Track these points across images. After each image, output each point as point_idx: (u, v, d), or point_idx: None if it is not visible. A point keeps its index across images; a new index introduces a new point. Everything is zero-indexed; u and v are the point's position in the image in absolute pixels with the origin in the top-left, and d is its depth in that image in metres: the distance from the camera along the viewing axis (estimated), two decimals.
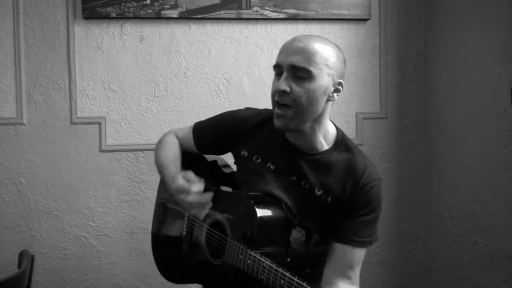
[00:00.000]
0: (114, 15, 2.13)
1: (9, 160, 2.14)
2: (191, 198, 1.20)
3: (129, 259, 2.22)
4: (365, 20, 2.28)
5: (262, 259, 1.10)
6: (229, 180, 1.41)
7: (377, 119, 2.33)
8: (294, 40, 1.19)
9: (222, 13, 2.18)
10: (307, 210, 1.22)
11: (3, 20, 2.12)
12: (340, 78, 1.22)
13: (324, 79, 1.16)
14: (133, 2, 2.13)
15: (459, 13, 2.08)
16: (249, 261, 1.12)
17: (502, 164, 1.82)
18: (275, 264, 1.08)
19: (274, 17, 2.21)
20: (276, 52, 1.23)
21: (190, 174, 1.23)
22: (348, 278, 1.18)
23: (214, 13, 2.17)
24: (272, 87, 1.19)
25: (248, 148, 1.31)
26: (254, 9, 2.19)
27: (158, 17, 2.16)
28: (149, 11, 2.14)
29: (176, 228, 1.44)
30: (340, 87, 1.22)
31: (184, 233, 1.40)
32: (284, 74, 1.14)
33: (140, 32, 2.19)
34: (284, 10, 2.21)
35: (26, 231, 2.16)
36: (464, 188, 2.05)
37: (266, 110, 1.34)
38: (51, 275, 2.18)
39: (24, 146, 2.15)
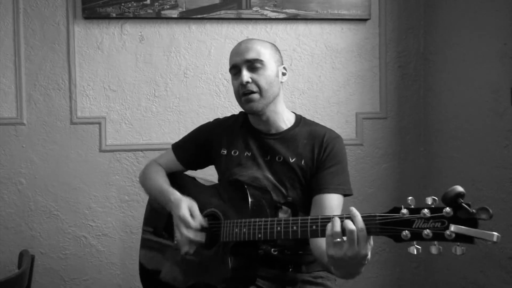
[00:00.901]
0: (114, 15, 2.13)
1: (9, 160, 2.14)
2: (190, 234, 1.29)
3: (129, 259, 2.22)
4: (365, 20, 2.28)
5: (257, 220, 1.20)
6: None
7: (377, 119, 2.33)
8: (239, 44, 1.42)
9: (222, 13, 2.18)
10: (288, 179, 1.38)
11: (3, 20, 2.12)
12: (282, 64, 1.45)
13: (272, 65, 1.39)
14: (133, 2, 2.13)
15: (459, 13, 2.08)
16: (244, 230, 1.21)
17: (502, 164, 1.82)
18: (269, 218, 1.18)
19: (274, 17, 2.21)
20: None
21: (194, 207, 1.34)
22: None
23: (214, 13, 2.17)
24: (234, 86, 1.41)
25: (226, 146, 1.48)
26: (254, 9, 2.19)
27: (158, 17, 2.16)
28: (149, 11, 2.14)
29: (166, 243, 1.47)
30: (285, 71, 1.45)
31: (175, 242, 1.40)
32: (243, 70, 1.36)
33: (140, 32, 2.19)
34: (284, 10, 2.21)
35: (26, 231, 2.16)
36: (464, 188, 2.04)
37: (232, 115, 1.58)
38: (51, 275, 2.18)
39: (24, 146, 2.15)
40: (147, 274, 1.53)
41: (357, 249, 1.03)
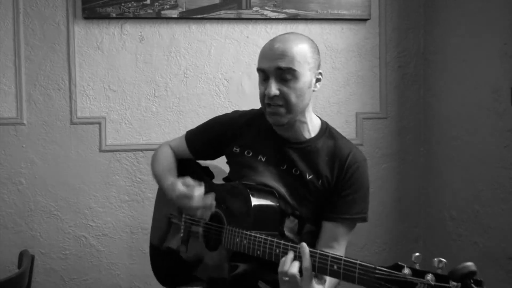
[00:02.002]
0: (114, 15, 2.13)
1: (9, 160, 2.14)
2: (195, 202, 1.25)
3: (129, 259, 2.22)
4: (365, 20, 2.28)
5: (257, 235, 1.16)
6: (224, 180, 1.46)
7: (377, 119, 2.33)
8: (272, 44, 1.25)
9: (222, 13, 2.18)
10: (300, 195, 1.28)
11: (3, 20, 2.12)
12: (318, 69, 1.29)
13: (307, 75, 1.23)
14: (133, 2, 2.13)
15: (459, 13, 2.08)
16: (245, 241, 1.18)
17: (502, 164, 1.82)
18: (269, 237, 1.14)
19: (274, 17, 2.21)
20: None
21: (188, 180, 1.30)
22: (330, 247, 1.25)
23: (214, 13, 2.17)
24: (260, 90, 1.27)
25: (240, 145, 1.38)
26: (254, 9, 2.19)
27: (158, 17, 2.16)
28: (149, 11, 2.14)
29: (176, 236, 1.46)
30: (320, 77, 1.30)
31: (181, 234, 1.42)
32: (271, 79, 1.22)
33: (140, 32, 2.19)
34: (284, 10, 2.21)
35: (26, 231, 2.16)
36: (464, 188, 2.05)
37: (251, 110, 1.45)
38: (51, 275, 2.18)
39: (24, 146, 2.15)
40: (157, 255, 1.53)
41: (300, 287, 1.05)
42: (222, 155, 1.48)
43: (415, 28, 2.33)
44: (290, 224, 1.29)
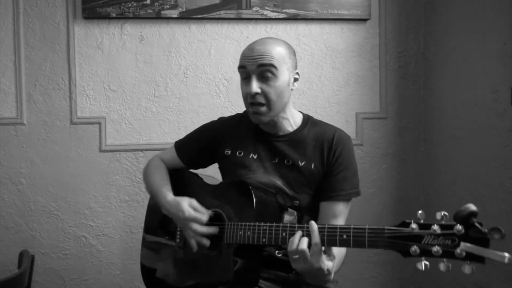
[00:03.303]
0: (114, 15, 2.13)
1: (9, 160, 2.14)
2: (203, 229, 1.28)
3: (129, 259, 2.22)
4: (365, 20, 2.28)
5: (261, 224, 1.19)
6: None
7: (377, 119, 2.33)
8: (252, 46, 1.32)
9: (222, 13, 2.18)
10: (297, 183, 1.34)
11: (3, 20, 2.12)
12: (295, 69, 1.37)
13: (285, 74, 1.31)
14: (133, 2, 2.13)
15: (459, 13, 2.08)
16: (249, 233, 1.20)
17: (502, 164, 1.82)
18: (274, 224, 1.17)
19: (274, 17, 2.21)
20: None
21: (195, 203, 1.33)
22: None
23: (214, 13, 2.17)
24: (242, 90, 1.34)
25: (230, 147, 1.44)
26: (254, 9, 2.19)
27: (158, 17, 2.16)
28: (149, 11, 2.14)
29: (168, 243, 1.46)
30: (297, 76, 1.37)
31: (178, 240, 1.41)
32: (253, 77, 1.29)
33: (140, 32, 2.19)
34: (284, 10, 2.21)
35: (26, 231, 2.16)
36: (464, 188, 2.05)
37: (236, 114, 1.53)
38: (51, 275, 2.18)
39: (24, 146, 2.15)
40: (149, 274, 1.53)
41: (310, 263, 1.08)
42: (212, 162, 1.52)
43: (415, 28, 2.33)
44: (289, 218, 1.33)
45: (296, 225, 1.14)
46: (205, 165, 1.55)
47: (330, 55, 2.29)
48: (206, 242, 1.29)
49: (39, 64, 2.15)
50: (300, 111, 1.46)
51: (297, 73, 1.37)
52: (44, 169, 2.16)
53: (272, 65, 1.28)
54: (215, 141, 1.47)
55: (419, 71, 2.34)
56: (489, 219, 1.91)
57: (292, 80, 1.35)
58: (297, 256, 1.10)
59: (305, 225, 1.12)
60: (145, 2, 2.14)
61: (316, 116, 2.26)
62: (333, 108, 2.30)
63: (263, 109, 1.31)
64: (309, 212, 1.35)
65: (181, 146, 1.54)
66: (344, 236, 1.05)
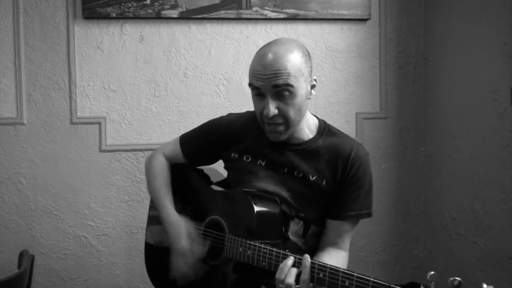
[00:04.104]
0: (114, 15, 2.13)
1: (9, 160, 2.14)
2: (189, 271, 1.26)
3: (129, 259, 2.22)
4: (365, 20, 2.28)
5: (262, 246, 1.12)
6: (222, 185, 1.43)
7: (377, 119, 2.33)
8: (264, 60, 1.17)
9: (222, 13, 2.18)
10: (304, 198, 1.26)
11: (3, 20, 2.12)
12: (312, 75, 1.24)
13: (303, 87, 1.20)
14: (133, 2, 2.13)
15: (459, 13, 2.08)
16: (249, 252, 1.14)
17: (502, 164, 1.82)
18: (275, 248, 1.10)
19: (274, 17, 2.21)
20: None
21: (193, 233, 1.29)
22: (335, 244, 1.25)
23: (214, 13, 2.17)
24: (256, 108, 1.23)
25: (238, 150, 1.34)
26: (254, 9, 2.19)
27: (158, 17, 2.16)
28: (149, 11, 2.14)
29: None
30: (314, 83, 1.25)
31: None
32: (268, 98, 1.17)
33: (140, 32, 2.19)
34: (284, 10, 2.21)
35: (26, 231, 2.16)
36: (464, 188, 2.05)
37: (247, 112, 1.40)
38: (51, 275, 2.18)
39: (24, 146, 2.15)
40: (154, 274, 1.51)
41: None
42: (217, 160, 1.45)
43: (415, 28, 2.33)
44: (295, 227, 1.26)
45: (297, 257, 1.06)
46: (209, 163, 1.48)
47: (330, 55, 2.29)
48: (192, 275, 1.26)
49: (39, 64, 2.15)
50: (315, 115, 1.35)
51: (315, 80, 1.25)
52: (44, 169, 2.16)
53: (289, 84, 1.15)
54: (222, 142, 1.37)
55: (419, 71, 2.34)
56: (489, 219, 1.92)
57: (309, 89, 1.23)
58: (283, 286, 1.04)
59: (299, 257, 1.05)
60: (145, 2, 2.14)
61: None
62: (333, 108, 2.30)
63: (281, 128, 1.21)
64: (316, 223, 1.28)
65: (186, 143, 1.45)
66: (347, 283, 0.98)
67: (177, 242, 1.29)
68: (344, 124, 2.29)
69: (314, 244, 1.29)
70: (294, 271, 1.04)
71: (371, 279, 0.94)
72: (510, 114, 1.78)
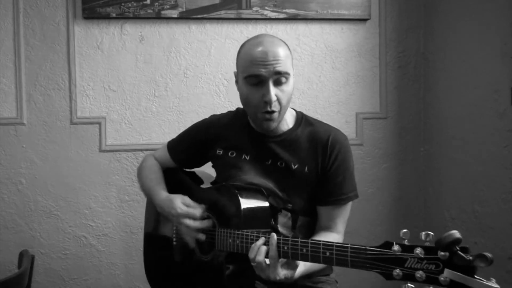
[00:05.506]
0: (114, 15, 2.13)
1: (9, 160, 2.14)
2: (197, 224, 1.27)
3: (129, 259, 2.22)
4: (365, 20, 2.28)
5: (249, 233, 1.16)
6: (213, 184, 1.46)
7: (377, 119, 2.33)
8: (261, 49, 1.21)
9: (222, 13, 2.18)
10: (290, 187, 1.30)
11: (3, 20, 2.12)
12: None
13: (292, 77, 1.27)
14: (133, 2, 2.13)
15: (459, 13, 2.08)
16: (237, 241, 1.18)
17: (502, 164, 1.82)
18: (262, 232, 1.14)
19: (274, 17, 2.21)
20: None
21: (188, 199, 1.32)
22: (327, 227, 1.30)
23: (214, 13, 2.17)
24: (251, 97, 1.24)
25: (222, 147, 1.40)
26: (254, 9, 2.19)
27: (158, 17, 2.16)
28: (149, 11, 2.14)
29: (166, 242, 1.45)
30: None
31: (174, 242, 1.41)
32: (269, 84, 1.21)
33: (140, 32, 2.19)
34: (284, 10, 2.21)
35: (26, 231, 2.16)
36: (464, 188, 2.05)
37: (228, 111, 1.48)
38: (51, 275, 2.18)
39: (24, 146, 2.15)
40: (153, 274, 1.52)
41: (267, 274, 1.08)
42: (206, 162, 1.49)
43: (415, 28, 2.33)
44: (283, 219, 1.30)
45: (282, 238, 1.09)
46: (198, 165, 1.53)
47: (330, 55, 2.29)
48: (202, 236, 1.28)
49: (39, 64, 2.15)
50: (292, 108, 1.40)
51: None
52: (44, 169, 2.16)
53: (287, 72, 1.22)
54: (206, 142, 1.43)
55: (419, 71, 2.34)
56: (489, 219, 1.91)
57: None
58: (254, 264, 1.09)
59: (289, 239, 1.08)
60: (145, 2, 2.14)
61: (316, 116, 2.27)
62: (333, 108, 2.30)
63: (275, 115, 1.24)
64: (304, 213, 1.32)
65: (173, 147, 1.51)
66: (327, 254, 1.01)
67: (174, 210, 1.30)
68: (344, 124, 2.29)
69: (305, 235, 1.32)
70: (263, 248, 1.09)
71: (349, 245, 0.99)
72: (510, 114, 1.78)
